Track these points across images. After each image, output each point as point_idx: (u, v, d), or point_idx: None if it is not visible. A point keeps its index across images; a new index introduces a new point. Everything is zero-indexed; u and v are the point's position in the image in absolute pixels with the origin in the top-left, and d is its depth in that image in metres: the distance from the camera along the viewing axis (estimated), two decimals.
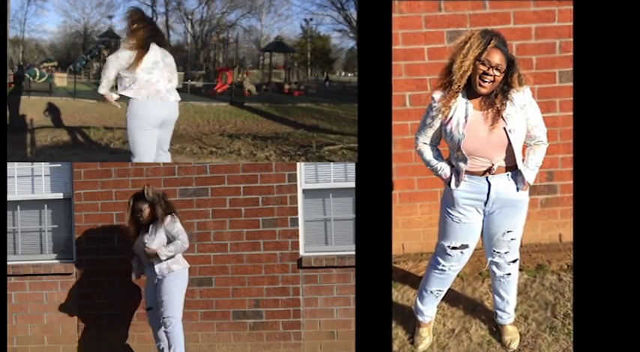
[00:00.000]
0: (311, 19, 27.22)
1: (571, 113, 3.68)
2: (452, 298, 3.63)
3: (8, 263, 4.08)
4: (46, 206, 4.40)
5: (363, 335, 3.30)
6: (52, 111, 11.28)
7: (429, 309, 3.35)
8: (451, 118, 2.81)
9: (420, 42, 3.87)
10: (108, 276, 4.23)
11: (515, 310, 3.40)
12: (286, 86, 19.37)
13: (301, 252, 4.20)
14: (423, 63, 3.88)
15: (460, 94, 2.79)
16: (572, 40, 3.56)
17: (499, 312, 3.36)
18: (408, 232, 4.17)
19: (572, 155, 3.60)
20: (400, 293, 3.82)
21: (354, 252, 3.96)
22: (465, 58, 2.68)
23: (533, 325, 3.44)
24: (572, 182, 3.27)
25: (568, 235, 4.09)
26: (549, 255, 4.07)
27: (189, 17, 26.33)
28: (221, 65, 21.52)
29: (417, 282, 3.56)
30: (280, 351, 4.16)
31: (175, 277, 3.73)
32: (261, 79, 21.06)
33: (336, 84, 24.36)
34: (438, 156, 3.00)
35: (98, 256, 4.25)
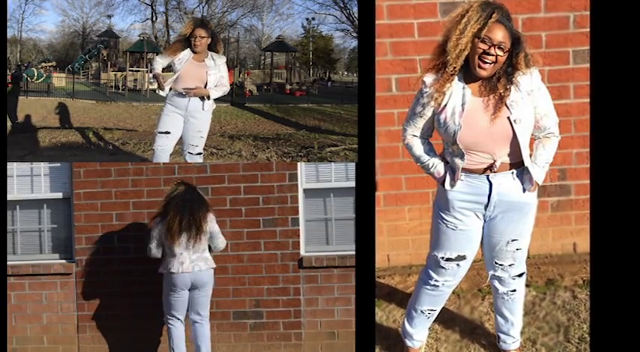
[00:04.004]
0: (313, 19, 27.32)
1: (587, 100, 3.36)
2: (446, 319, 3.24)
3: (8, 263, 4.06)
4: (45, 206, 4.38)
5: (363, 336, 3.16)
6: (52, 111, 11.32)
7: (419, 332, 2.94)
8: (445, 106, 2.43)
9: (408, 15, 3.40)
10: (107, 276, 4.21)
11: (522, 333, 2.98)
12: (288, 86, 19.42)
13: (302, 252, 4.17)
14: (412, 40, 3.43)
15: (456, 78, 2.42)
16: (588, 13, 3.19)
17: (502, 336, 2.94)
18: (395, 241, 3.76)
19: (588, 150, 3.35)
20: (385, 314, 3.40)
21: (354, 252, 3.94)
22: (461, 34, 2.32)
23: (543, 351, 3.03)
24: (588, 181, 2.91)
25: (584, 245, 3.67)
26: (562, 268, 3.64)
27: (190, 16, 26.37)
28: None
29: (405, 300, 3.15)
30: (280, 351, 4.15)
31: (163, 280, 3.76)
32: (262, 79, 21.13)
33: (338, 84, 24.45)
34: (430, 150, 2.62)
35: (98, 256, 4.22)
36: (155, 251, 3.76)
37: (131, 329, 4.20)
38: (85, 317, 4.24)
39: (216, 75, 4.04)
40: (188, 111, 4.05)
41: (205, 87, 4.01)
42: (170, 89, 4.07)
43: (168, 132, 4.08)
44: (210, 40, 4.02)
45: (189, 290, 3.71)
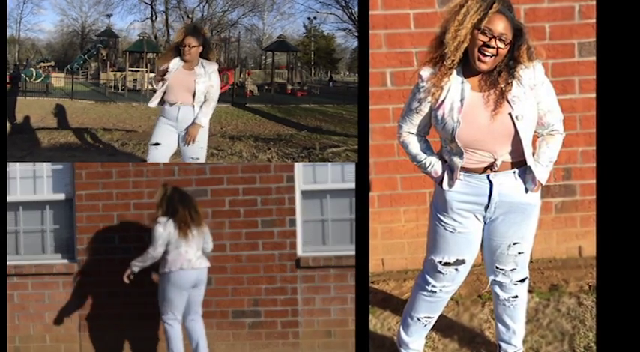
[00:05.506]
0: (314, 18, 27.32)
1: (593, 95, 3.25)
2: (444, 326, 3.11)
3: (11, 263, 4.14)
4: (47, 207, 4.44)
5: (361, 335, 3.14)
6: (50, 112, 11.36)
7: (415, 341, 2.82)
8: (443, 101, 2.31)
9: (404, 6, 3.26)
10: (109, 276, 4.26)
11: (524, 342, 2.84)
12: (289, 86, 19.44)
13: (299, 252, 4.22)
14: (409, 32, 3.28)
15: (455, 72, 2.30)
16: (594, 3, 3.08)
17: (503, 344, 2.80)
18: (390, 244, 3.61)
19: (594, 148, 3.19)
20: (380, 321, 3.28)
21: (351, 253, 3.98)
22: (460, 26, 2.20)
23: None
24: (594, 181, 2.81)
25: (589, 248, 3.53)
26: (566, 273, 3.49)
27: (190, 16, 26.38)
28: (222, 65, 21.59)
29: (400, 307, 3.03)
30: (278, 350, 4.20)
31: (159, 280, 3.79)
32: (263, 79, 21.13)
33: (340, 84, 24.42)
34: (427, 148, 2.49)
35: (99, 256, 4.28)
36: (160, 250, 3.74)
37: (132, 329, 4.25)
38: (87, 317, 4.30)
39: (206, 83, 3.91)
40: (179, 121, 3.94)
41: (193, 96, 3.89)
42: (162, 101, 3.97)
43: (158, 144, 3.98)
44: (201, 48, 3.90)
45: (190, 288, 3.78)
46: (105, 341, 4.27)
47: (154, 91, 4.03)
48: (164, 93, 3.97)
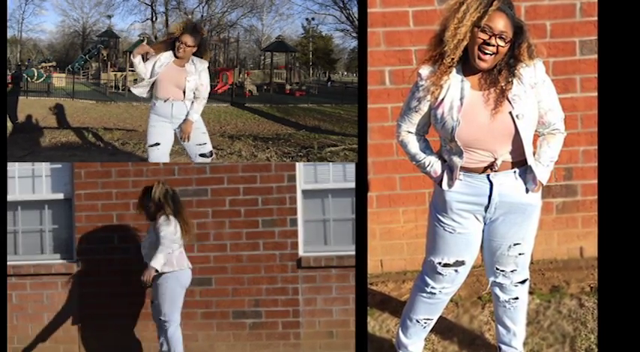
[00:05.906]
0: (313, 19, 27.39)
1: (595, 94, 3.23)
2: (444, 328, 3.08)
3: (9, 263, 4.10)
4: (46, 206, 4.42)
5: (360, 337, 3.12)
6: (51, 111, 11.36)
7: (414, 343, 2.80)
8: (443, 100, 2.29)
9: (403, 3, 3.25)
10: (108, 276, 4.25)
11: (525, 344, 2.80)
12: (288, 86, 19.47)
13: (300, 252, 4.21)
14: (407, 29, 3.27)
15: (454, 70, 2.27)
16: (596, 0, 3.07)
17: (504, 347, 2.78)
18: (388, 245, 3.59)
19: (596, 147, 3.17)
20: (378, 323, 3.25)
21: (352, 253, 3.96)
22: (460, 23, 2.17)
23: None
24: (596, 181, 2.76)
25: (591, 249, 3.52)
26: (567, 275, 3.47)
27: (190, 17, 26.36)
28: (222, 65, 21.63)
29: (399, 309, 3.04)
30: (279, 350, 4.18)
31: (164, 280, 3.64)
32: (262, 80, 21.16)
33: (338, 84, 24.57)
34: (426, 148, 2.47)
35: (98, 256, 4.26)
36: (171, 246, 3.63)
37: (131, 329, 4.23)
38: (86, 317, 4.27)
39: (195, 81, 3.86)
40: (173, 117, 3.90)
41: (184, 93, 3.85)
42: (150, 95, 3.91)
43: (158, 144, 3.92)
44: (195, 49, 3.84)
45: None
46: (104, 342, 4.25)
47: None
48: (153, 87, 3.90)
